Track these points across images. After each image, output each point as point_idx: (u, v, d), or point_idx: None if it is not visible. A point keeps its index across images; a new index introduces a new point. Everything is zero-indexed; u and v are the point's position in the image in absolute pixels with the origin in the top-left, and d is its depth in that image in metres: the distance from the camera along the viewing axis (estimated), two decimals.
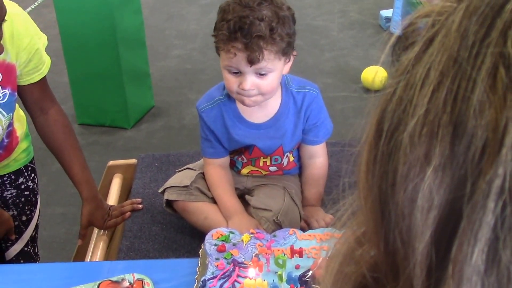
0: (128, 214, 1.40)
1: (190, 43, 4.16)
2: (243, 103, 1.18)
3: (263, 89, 1.14)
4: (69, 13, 2.75)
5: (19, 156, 1.37)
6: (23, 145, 1.38)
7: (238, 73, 1.14)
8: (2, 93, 1.16)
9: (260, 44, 1.08)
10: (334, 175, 1.47)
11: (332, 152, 1.39)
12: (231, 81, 1.15)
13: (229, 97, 1.25)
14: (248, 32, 1.08)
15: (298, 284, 0.85)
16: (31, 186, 1.43)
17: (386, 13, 4.17)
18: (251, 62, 1.09)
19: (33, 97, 1.28)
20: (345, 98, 3.22)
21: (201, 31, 4.39)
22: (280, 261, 0.90)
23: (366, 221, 0.30)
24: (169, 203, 1.31)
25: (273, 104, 1.24)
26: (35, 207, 1.46)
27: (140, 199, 1.44)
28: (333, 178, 1.46)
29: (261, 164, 1.30)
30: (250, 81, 1.13)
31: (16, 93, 1.21)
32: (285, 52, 1.14)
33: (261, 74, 1.13)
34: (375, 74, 3.30)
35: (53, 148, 1.37)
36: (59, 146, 1.36)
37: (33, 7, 4.35)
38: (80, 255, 1.48)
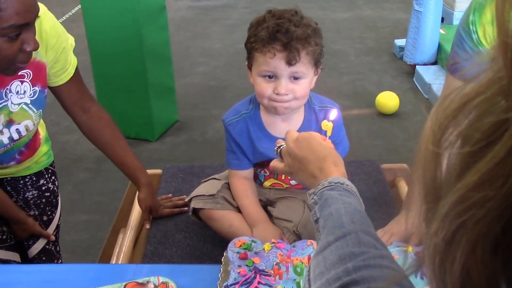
0: (179, 209, 1.45)
1: (214, 61, 4.25)
2: (275, 110, 1.21)
3: (297, 93, 1.18)
4: (97, 28, 2.84)
5: (40, 159, 1.43)
6: (44, 148, 1.43)
7: (273, 78, 1.18)
8: (32, 90, 1.21)
9: (298, 45, 1.13)
10: None
11: (347, 170, 1.42)
12: (265, 87, 1.19)
13: (255, 111, 1.29)
14: (286, 33, 1.13)
15: None
16: (51, 188, 1.48)
17: (400, 42, 4.24)
18: (289, 62, 1.14)
19: (71, 97, 1.33)
20: (360, 120, 3.27)
21: (224, 50, 4.48)
22: (299, 269, 0.94)
23: None
24: (195, 211, 1.36)
25: (296, 119, 1.28)
26: (56, 208, 1.51)
27: (185, 196, 1.48)
28: None
29: (282, 178, 1.34)
30: (285, 85, 1.17)
31: (46, 91, 1.25)
32: (317, 61, 1.19)
33: (295, 79, 1.17)
34: (388, 100, 3.36)
35: (102, 145, 1.41)
36: (109, 141, 1.40)
37: (61, 21, 4.49)
38: (104, 259, 1.52)
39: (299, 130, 1.27)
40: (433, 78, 3.61)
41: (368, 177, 1.61)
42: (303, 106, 1.27)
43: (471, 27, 1.02)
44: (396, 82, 3.88)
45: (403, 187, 1.59)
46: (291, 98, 1.19)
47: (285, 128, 1.27)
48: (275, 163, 0.92)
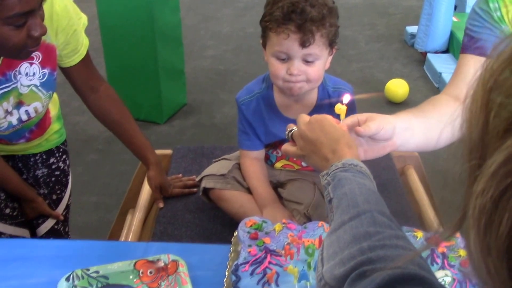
0: (188, 189, 1.45)
1: (223, 45, 4.23)
2: (290, 91, 1.20)
3: (311, 75, 1.17)
4: (109, 9, 2.82)
5: (51, 137, 1.43)
6: (55, 126, 1.42)
7: (286, 59, 1.17)
8: (41, 72, 1.20)
9: (312, 27, 1.11)
10: None
11: None
12: (279, 68, 1.17)
13: (268, 91, 1.29)
14: (301, 14, 1.11)
15: None
16: (61, 167, 1.48)
17: (411, 29, 4.20)
18: (303, 44, 1.12)
19: (80, 77, 1.32)
20: (369, 109, 3.24)
21: (234, 34, 4.45)
22: (310, 250, 0.94)
23: None
24: (206, 191, 1.36)
25: (310, 101, 1.27)
26: (66, 187, 1.51)
27: (194, 177, 1.48)
28: None
29: (294, 159, 1.33)
30: (298, 66, 1.15)
31: (56, 73, 1.25)
32: (332, 41, 1.17)
33: (308, 62, 1.16)
34: (398, 87, 3.33)
35: (111, 123, 1.41)
36: (117, 120, 1.40)
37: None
38: (114, 238, 1.53)
39: (312, 112, 1.27)
40: (444, 66, 3.57)
41: (378, 164, 1.59)
42: (316, 88, 1.26)
43: (491, 5, 1.01)
44: (406, 70, 3.84)
45: (413, 175, 1.58)
46: (304, 79, 1.18)
47: (298, 109, 1.26)
48: (287, 147, 0.91)
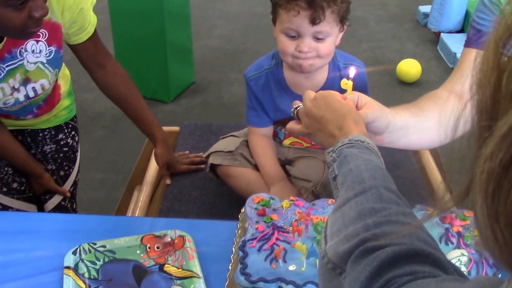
0: (196, 166, 1.44)
1: (231, 24, 4.18)
2: (299, 68, 1.18)
3: (321, 51, 1.15)
4: None
5: (60, 113, 1.42)
6: (65, 102, 1.42)
7: (295, 37, 1.14)
8: (48, 50, 1.19)
9: (323, 4, 1.09)
10: None
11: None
12: (288, 44, 1.15)
13: (277, 67, 1.26)
14: None
15: None
16: (70, 143, 1.47)
17: (424, 9, 4.12)
18: (313, 21, 1.10)
19: (88, 54, 1.31)
20: (380, 89, 3.21)
21: (243, 13, 4.40)
22: (319, 227, 0.92)
23: None
24: (213, 168, 1.34)
25: (320, 77, 1.25)
26: (74, 164, 1.51)
27: (202, 154, 1.46)
28: None
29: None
30: (309, 43, 1.13)
31: (62, 51, 1.24)
32: (342, 18, 1.15)
33: (319, 39, 1.14)
34: (410, 67, 3.28)
35: (118, 99, 1.40)
36: (124, 96, 1.39)
37: None
38: (120, 214, 1.52)
39: (323, 88, 1.25)
40: (458, 46, 3.51)
41: None
42: (327, 64, 1.23)
43: None
44: (418, 50, 3.79)
45: (427, 154, 1.56)
46: (314, 55, 1.16)
47: (307, 85, 1.24)
48: (292, 125, 0.89)
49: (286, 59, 1.19)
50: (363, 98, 0.88)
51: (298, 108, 0.88)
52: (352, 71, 0.89)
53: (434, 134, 0.95)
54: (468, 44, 1.02)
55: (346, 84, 0.88)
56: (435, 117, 0.95)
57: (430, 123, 0.94)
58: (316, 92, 1.19)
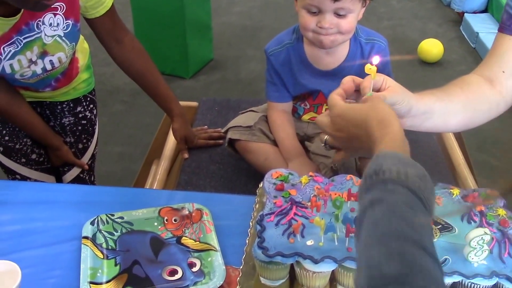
0: (214, 141, 1.45)
1: (251, 1, 4.14)
2: (321, 43, 1.16)
3: (343, 27, 1.13)
4: None
5: (79, 86, 1.42)
6: (83, 75, 1.42)
7: (316, 12, 1.12)
8: (65, 23, 1.19)
9: None
10: None
11: None
12: (309, 20, 1.13)
13: (298, 42, 1.24)
14: None
15: (354, 225, 0.85)
16: (88, 116, 1.48)
17: None
18: None
19: (105, 28, 1.30)
20: (400, 68, 3.15)
21: None
22: (338, 203, 0.90)
23: None
24: (231, 142, 1.34)
25: (341, 52, 1.22)
26: (92, 137, 1.52)
27: (220, 129, 1.46)
28: None
29: (323, 111, 1.30)
30: (330, 19, 1.11)
31: (79, 24, 1.24)
32: None
33: (340, 15, 1.11)
34: (431, 47, 3.21)
35: (135, 73, 1.39)
36: (141, 71, 1.38)
37: None
38: (138, 187, 1.53)
39: (344, 63, 1.22)
40: (482, 27, 3.43)
41: None
42: (348, 39, 1.21)
43: None
44: (441, 30, 3.71)
45: (450, 137, 1.53)
46: (336, 31, 1.14)
47: (328, 60, 1.22)
48: (338, 156, 0.91)
49: (307, 35, 1.17)
50: (388, 81, 0.88)
51: (326, 140, 0.88)
52: (376, 59, 0.87)
53: (459, 119, 0.95)
54: (501, 29, 0.99)
55: (370, 69, 0.87)
56: (461, 102, 0.94)
57: (455, 108, 0.94)
58: (336, 67, 1.17)
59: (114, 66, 1.41)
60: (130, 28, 1.37)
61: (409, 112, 0.88)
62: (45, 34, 1.17)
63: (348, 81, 0.89)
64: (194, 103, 1.66)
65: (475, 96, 0.95)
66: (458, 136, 1.55)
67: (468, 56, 3.36)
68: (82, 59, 1.40)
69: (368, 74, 0.86)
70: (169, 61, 3.03)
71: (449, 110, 0.93)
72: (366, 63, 0.88)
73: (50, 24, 1.17)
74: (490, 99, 0.97)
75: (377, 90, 0.88)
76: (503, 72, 0.97)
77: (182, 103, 1.47)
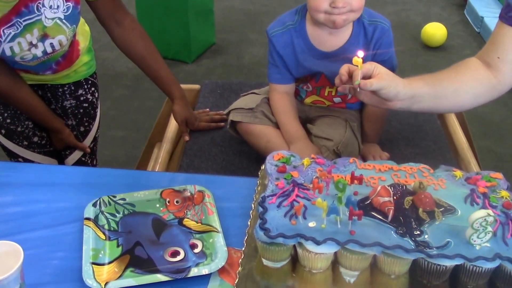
0: (215, 124, 1.44)
1: None
2: (333, 23, 1.16)
3: (354, 5, 1.13)
4: None
5: (80, 69, 1.41)
6: (84, 58, 1.41)
7: None
8: (66, 5, 1.18)
9: None
10: (392, 118, 1.45)
11: None
12: (321, 1, 1.13)
13: (301, 23, 1.23)
14: None
15: (357, 208, 0.85)
16: (90, 99, 1.47)
17: None
18: None
19: (106, 10, 1.29)
20: (404, 53, 3.13)
21: None
22: (340, 185, 0.90)
23: None
24: (233, 125, 1.33)
25: (344, 34, 1.21)
26: (94, 120, 1.51)
27: (222, 112, 1.45)
28: (391, 120, 1.44)
29: (325, 94, 1.29)
30: None
31: (80, 6, 1.23)
32: None
33: None
34: (435, 31, 3.18)
35: (135, 56, 1.38)
36: (141, 53, 1.37)
37: None
38: (141, 169, 1.53)
39: (346, 45, 1.21)
40: (486, 11, 3.39)
41: None
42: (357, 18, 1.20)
43: None
44: (445, 14, 3.67)
45: (452, 117, 1.53)
46: (349, 10, 1.14)
47: (331, 42, 1.21)
48: None
49: (317, 17, 1.16)
50: (378, 68, 0.99)
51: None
52: (360, 53, 0.97)
53: (451, 102, 1.05)
54: (500, 17, 1.03)
55: (357, 61, 0.97)
56: (453, 86, 1.03)
57: (446, 92, 1.03)
58: (339, 48, 1.17)
59: (117, 51, 1.41)
60: (132, 12, 1.37)
61: (397, 96, 1.00)
62: (45, 17, 1.16)
63: (344, 69, 1.01)
64: (196, 86, 1.65)
65: (471, 80, 1.03)
66: (462, 121, 1.54)
67: (472, 41, 3.33)
68: (83, 41, 1.39)
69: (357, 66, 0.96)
70: (172, 46, 3.01)
71: (439, 94, 1.02)
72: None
73: (50, 7, 1.16)
74: (486, 83, 1.03)
75: (368, 77, 0.99)
76: (498, 58, 1.02)
77: (184, 86, 1.47)
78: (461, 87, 1.03)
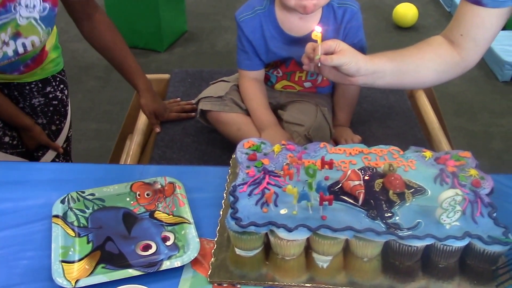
0: (186, 114, 1.42)
1: None
2: (304, 9, 1.14)
3: None
4: None
5: (47, 66, 1.38)
6: (51, 55, 1.38)
7: None
8: (42, 6, 1.16)
9: None
10: (363, 100, 1.45)
11: None
12: None
13: (270, 8, 1.21)
14: None
15: (327, 193, 0.85)
16: (59, 97, 1.44)
17: None
18: None
19: (77, 5, 1.28)
20: (377, 34, 3.13)
21: None
22: (311, 171, 0.89)
23: None
24: (203, 114, 1.31)
25: (313, 18, 1.20)
26: (65, 118, 1.48)
27: (193, 101, 1.44)
28: (362, 102, 1.44)
29: (296, 79, 1.28)
30: None
31: (57, 9, 1.21)
32: None
33: None
34: (406, 11, 3.20)
35: (103, 48, 1.37)
36: (108, 44, 1.36)
37: None
38: (114, 163, 1.51)
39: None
40: None
41: None
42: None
43: None
44: None
45: (422, 97, 1.53)
46: None
47: (301, 26, 1.20)
48: None
49: (288, 2, 1.15)
50: (340, 44, 1.01)
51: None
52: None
53: (414, 78, 1.06)
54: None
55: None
56: (415, 62, 1.04)
57: (408, 68, 1.04)
58: (309, 33, 1.17)
59: (86, 42, 1.39)
60: (101, 2, 1.35)
61: (358, 71, 1.01)
62: (20, 15, 1.13)
63: (309, 47, 1.02)
64: (166, 75, 1.63)
65: (434, 56, 1.04)
66: (433, 100, 1.55)
67: (443, 20, 3.35)
68: (50, 39, 1.36)
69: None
70: (143, 34, 2.97)
71: (401, 70, 1.04)
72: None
73: (26, 6, 1.13)
74: (448, 60, 1.05)
75: (331, 53, 1.00)
76: (461, 35, 1.03)
77: (153, 75, 1.45)
78: (423, 63, 1.04)
